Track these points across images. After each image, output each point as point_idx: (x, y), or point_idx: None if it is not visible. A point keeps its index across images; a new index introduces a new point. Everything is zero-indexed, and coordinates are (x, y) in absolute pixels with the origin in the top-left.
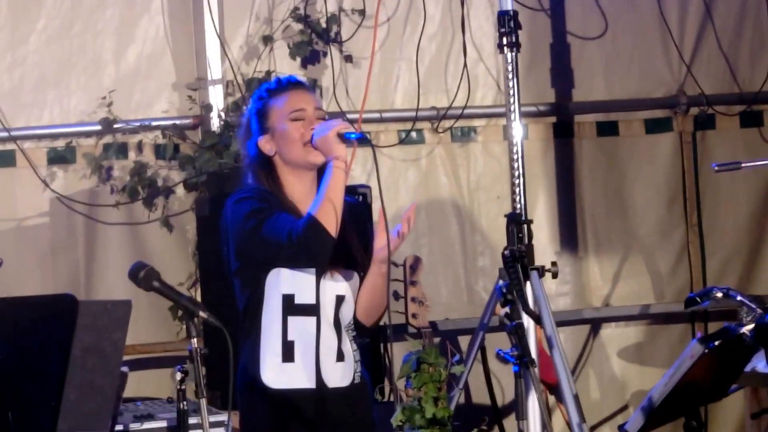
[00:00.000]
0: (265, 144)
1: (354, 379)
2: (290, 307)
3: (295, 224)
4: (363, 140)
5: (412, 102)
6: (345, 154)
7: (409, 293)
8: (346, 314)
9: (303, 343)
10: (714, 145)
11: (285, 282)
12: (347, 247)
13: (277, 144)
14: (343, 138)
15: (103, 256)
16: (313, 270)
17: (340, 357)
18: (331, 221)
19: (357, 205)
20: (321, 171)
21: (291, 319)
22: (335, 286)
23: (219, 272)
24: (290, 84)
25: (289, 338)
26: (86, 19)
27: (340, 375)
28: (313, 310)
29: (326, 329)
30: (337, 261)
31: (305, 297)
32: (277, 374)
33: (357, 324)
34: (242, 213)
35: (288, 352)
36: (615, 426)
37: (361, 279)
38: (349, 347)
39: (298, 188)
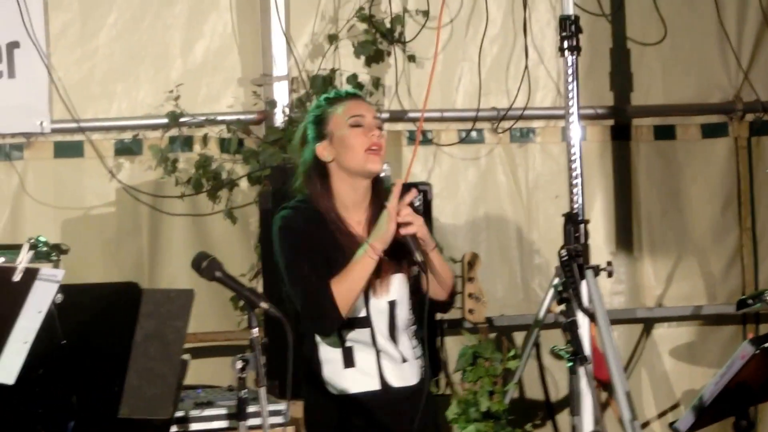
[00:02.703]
0: (323, 150)
1: (421, 375)
2: (343, 322)
3: (313, 287)
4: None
5: (473, 102)
6: (383, 244)
7: (467, 289)
8: (402, 316)
9: (361, 348)
10: None
11: None
12: (392, 253)
13: (336, 150)
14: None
15: (167, 245)
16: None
17: (403, 359)
18: (345, 303)
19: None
20: (375, 181)
21: (345, 332)
22: (385, 295)
23: None
24: (348, 94)
25: (347, 344)
26: (156, 13)
27: (407, 375)
28: (365, 322)
29: (381, 337)
30: (384, 271)
31: (356, 312)
32: (339, 380)
33: (432, 303)
34: (280, 247)
35: (348, 358)
36: (666, 423)
37: (410, 275)
38: (408, 347)
39: (351, 196)
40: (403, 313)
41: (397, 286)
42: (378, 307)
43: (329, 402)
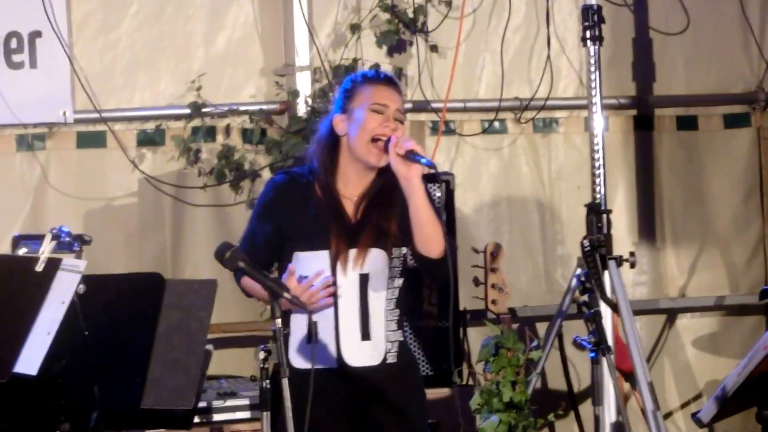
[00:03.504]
0: (339, 122)
1: (386, 358)
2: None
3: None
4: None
5: (496, 92)
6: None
7: (490, 280)
8: (375, 293)
9: (323, 323)
10: None
11: (302, 265)
12: (375, 227)
13: (350, 127)
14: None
15: (190, 236)
16: (326, 252)
17: (366, 336)
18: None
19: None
20: (381, 171)
21: None
22: (356, 266)
23: None
24: (385, 79)
25: (314, 319)
26: (177, 4)
27: (366, 354)
28: None
29: (345, 309)
30: (358, 242)
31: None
32: (302, 354)
33: (423, 258)
34: (256, 202)
35: (312, 333)
36: (688, 414)
37: (391, 254)
38: (380, 327)
39: (354, 175)
40: (377, 291)
41: (372, 261)
42: (348, 277)
43: (293, 375)
